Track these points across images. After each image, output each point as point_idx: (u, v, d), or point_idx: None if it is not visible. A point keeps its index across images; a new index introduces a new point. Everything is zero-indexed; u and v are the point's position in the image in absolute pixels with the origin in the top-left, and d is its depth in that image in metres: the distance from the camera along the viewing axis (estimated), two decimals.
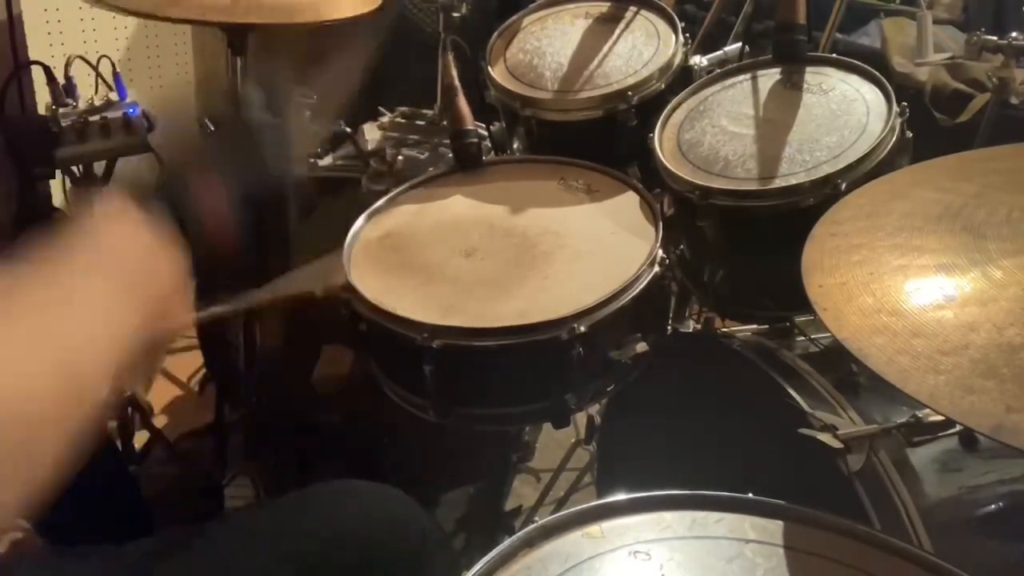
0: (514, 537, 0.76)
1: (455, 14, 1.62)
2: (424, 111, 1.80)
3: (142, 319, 0.68)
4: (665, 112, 1.36)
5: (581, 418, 1.68)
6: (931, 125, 2.26)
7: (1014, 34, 1.51)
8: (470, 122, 1.43)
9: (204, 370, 2.21)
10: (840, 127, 1.22)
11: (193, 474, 1.78)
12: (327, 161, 1.81)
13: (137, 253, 0.73)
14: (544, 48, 1.54)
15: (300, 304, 1.11)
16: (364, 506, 1.03)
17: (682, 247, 1.34)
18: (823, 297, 0.82)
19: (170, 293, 0.74)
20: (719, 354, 1.32)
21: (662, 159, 1.28)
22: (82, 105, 1.81)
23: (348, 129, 1.74)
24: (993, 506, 1.06)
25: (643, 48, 1.48)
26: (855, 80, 1.29)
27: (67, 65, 1.82)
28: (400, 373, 1.21)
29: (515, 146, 1.56)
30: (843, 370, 1.19)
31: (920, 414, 1.07)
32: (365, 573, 0.97)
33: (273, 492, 1.82)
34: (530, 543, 0.77)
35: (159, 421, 2.13)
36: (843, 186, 1.13)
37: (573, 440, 1.89)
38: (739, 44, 1.58)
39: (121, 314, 0.67)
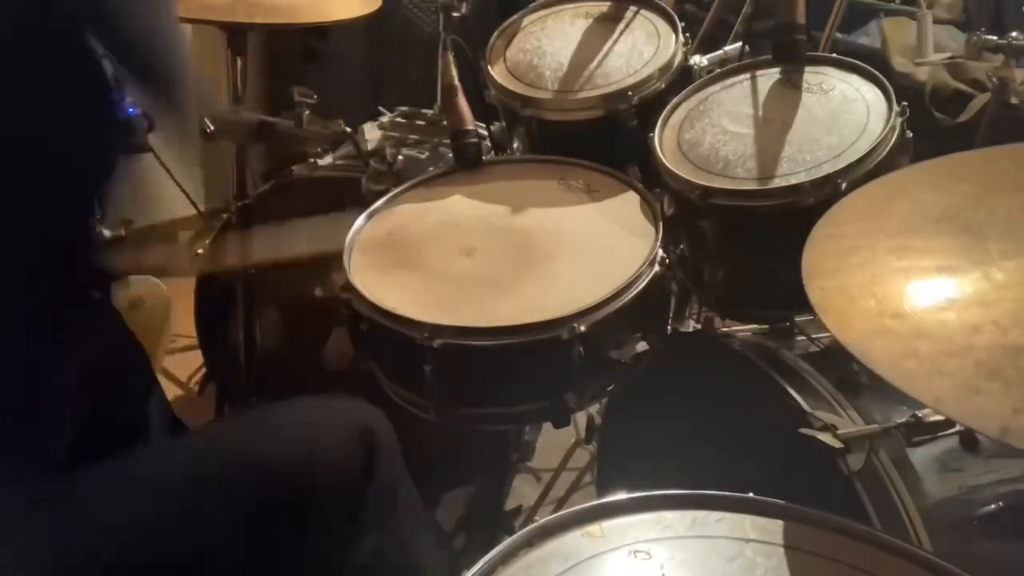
0: (514, 536, 0.76)
1: (455, 14, 1.62)
2: (424, 111, 1.80)
3: None
4: (665, 112, 1.36)
5: (581, 418, 1.68)
6: (931, 125, 2.26)
7: (1014, 34, 1.52)
8: (470, 122, 1.42)
9: (204, 370, 2.21)
10: (840, 127, 1.22)
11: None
12: (327, 161, 1.82)
13: None
14: (544, 48, 1.54)
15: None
16: (310, 416, 1.05)
17: (682, 247, 1.34)
18: (825, 300, 0.81)
19: None
20: (719, 354, 1.32)
21: (662, 159, 1.28)
22: None
23: (348, 129, 1.74)
24: (993, 506, 1.06)
25: (643, 48, 1.48)
26: (855, 80, 1.29)
27: None
28: (400, 373, 1.21)
29: (515, 146, 1.56)
30: (843, 369, 1.19)
31: (920, 414, 1.07)
32: (310, 478, 0.99)
33: None
34: (530, 542, 0.77)
35: None
36: (843, 186, 1.12)
37: (573, 440, 1.89)
38: (739, 44, 1.57)
39: None
